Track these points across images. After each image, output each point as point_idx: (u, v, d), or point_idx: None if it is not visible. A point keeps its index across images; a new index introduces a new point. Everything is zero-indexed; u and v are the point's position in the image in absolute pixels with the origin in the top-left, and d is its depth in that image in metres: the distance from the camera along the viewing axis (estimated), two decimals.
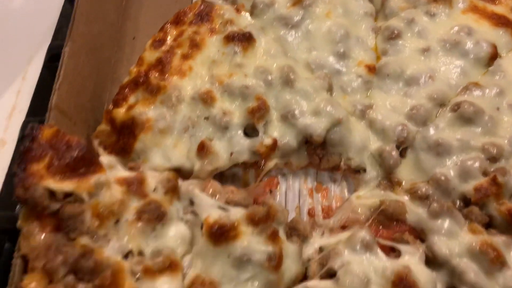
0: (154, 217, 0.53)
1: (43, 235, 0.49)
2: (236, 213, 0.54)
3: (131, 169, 0.59)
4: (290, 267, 0.56)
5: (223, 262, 0.52)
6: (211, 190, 0.58)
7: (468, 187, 0.63)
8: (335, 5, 0.77)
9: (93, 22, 0.77)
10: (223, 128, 0.67)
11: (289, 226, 0.61)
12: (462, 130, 0.66)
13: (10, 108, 0.91)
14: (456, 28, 0.74)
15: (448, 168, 0.64)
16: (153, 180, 0.56)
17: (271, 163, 0.68)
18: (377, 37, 0.77)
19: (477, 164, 0.63)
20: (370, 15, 0.79)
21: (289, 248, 0.56)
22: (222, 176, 0.69)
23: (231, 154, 0.67)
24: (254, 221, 0.54)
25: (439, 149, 0.65)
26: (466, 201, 0.63)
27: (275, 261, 0.53)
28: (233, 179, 0.70)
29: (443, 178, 0.64)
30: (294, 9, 0.76)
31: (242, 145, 0.67)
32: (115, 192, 0.52)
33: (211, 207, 0.55)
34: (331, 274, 0.57)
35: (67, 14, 0.93)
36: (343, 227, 0.65)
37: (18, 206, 0.77)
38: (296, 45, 0.75)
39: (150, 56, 0.74)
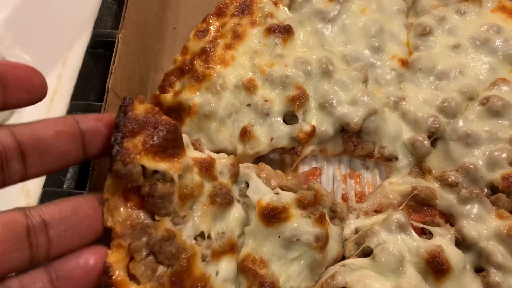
0: (226, 201, 0.55)
1: (128, 210, 0.49)
2: (287, 197, 0.58)
3: (193, 145, 0.60)
4: (333, 248, 0.60)
5: (274, 242, 0.56)
6: (264, 174, 0.62)
7: (495, 175, 0.67)
8: (369, 1, 0.81)
9: (140, 11, 0.81)
10: (264, 114, 0.71)
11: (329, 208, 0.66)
12: (490, 122, 0.70)
13: (51, 92, 0.95)
14: (485, 27, 0.78)
15: (477, 158, 0.68)
16: (219, 163, 0.58)
17: (307, 150, 0.73)
18: (409, 33, 0.81)
19: (504, 155, 0.67)
20: (402, 11, 0.83)
21: (333, 229, 0.60)
22: (259, 161, 0.73)
23: (271, 139, 0.71)
24: (303, 204, 0.58)
25: (468, 140, 0.69)
26: (494, 189, 0.67)
27: (322, 242, 0.57)
28: (270, 164, 0.75)
29: (471, 167, 0.68)
30: (331, 4, 0.80)
31: (282, 131, 0.71)
32: (195, 175, 0.53)
33: (264, 190, 0.59)
34: (366, 254, 0.62)
35: (108, 3, 0.98)
36: (377, 211, 0.69)
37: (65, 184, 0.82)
38: (332, 38, 0.79)
39: (194, 45, 0.78)
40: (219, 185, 0.55)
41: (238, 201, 0.59)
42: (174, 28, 0.91)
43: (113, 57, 0.70)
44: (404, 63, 0.77)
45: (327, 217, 0.60)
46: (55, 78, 0.96)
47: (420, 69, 0.76)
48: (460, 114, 0.72)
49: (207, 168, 0.55)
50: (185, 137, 0.56)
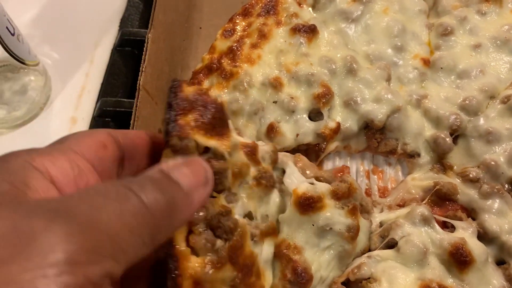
0: (270, 183, 0.56)
1: None
2: (322, 187, 0.60)
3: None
4: (361, 240, 0.63)
5: (307, 230, 0.59)
6: (301, 164, 0.65)
7: None
8: (392, 2, 0.83)
9: (168, 11, 0.84)
10: (290, 111, 0.74)
11: None
12: (511, 120, 0.72)
13: (79, 89, 0.98)
14: (506, 27, 0.80)
15: (498, 155, 0.70)
16: (261, 149, 0.59)
17: (332, 146, 0.75)
18: (431, 33, 0.83)
19: None
20: (424, 12, 0.84)
21: (363, 222, 0.63)
22: None
23: (297, 135, 0.73)
24: (337, 195, 0.60)
25: (489, 137, 0.71)
26: None
27: (354, 232, 0.59)
28: None
29: (493, 163, 0.70)
30: (354, 4, 0.82)
31: (307, 127, 0.73)
32: (242, 155, 0.54)
33: (299, 180, 0.61)
34: (390, 246, 0.64)
35: (135, 3, 1.01)
36: (400, 205, 0.71)
37: None
38: (356, 38, 0.81)
39: (222, 44, 0.81)
40: (263, 168, 0.56)
41: (276, 187, 0.60)
42: (200, 28, 0.94)
43: (143, 55, 0.73)
44: (426, 62, 0.79)
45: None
46: (83, 76, 0.99)
47: (441, 68, 0.78)
48: (481, 112, 0.74)
49: (252, 152, 0.56)
50: (229, 122, 0.57)
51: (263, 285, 0.54)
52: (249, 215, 0.54)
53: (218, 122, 0.52)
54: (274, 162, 0.60)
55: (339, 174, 0.71)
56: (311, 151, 0.77)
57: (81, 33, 1.05)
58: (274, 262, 0.58)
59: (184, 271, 0.46)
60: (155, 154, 0.50)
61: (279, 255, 0.57)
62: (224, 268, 0.48)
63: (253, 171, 0.55)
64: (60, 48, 1.02)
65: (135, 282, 0.47)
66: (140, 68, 0.73)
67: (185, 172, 0.39)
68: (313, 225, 0.59)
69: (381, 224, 0.67)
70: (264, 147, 0.60)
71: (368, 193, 0.75)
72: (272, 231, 0.56)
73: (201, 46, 0.89)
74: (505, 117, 0.72)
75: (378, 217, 0.68)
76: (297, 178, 0.61)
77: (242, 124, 0.74)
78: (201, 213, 0.48)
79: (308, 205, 0.58)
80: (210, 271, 0.47)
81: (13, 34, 0.79)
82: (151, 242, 0.34)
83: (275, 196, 0.58)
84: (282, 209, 0.59)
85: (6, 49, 0.78)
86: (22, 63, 0.84)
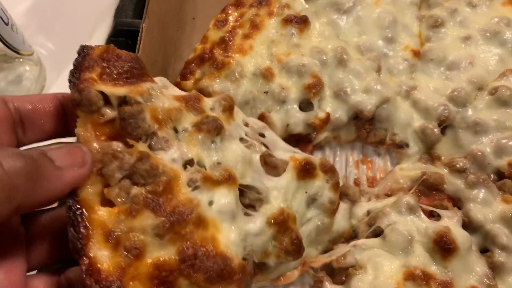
0: (213, 128, 0.52)
1: (100, 142, 0.48)
2: (314, 158, 0.62)
3: None
4: (339, 221, 0.65)
5: (300, 198, 0.59)
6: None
7: (502, 162, 0.70)
8: None
9: (162, 1, 0.85)
10: (281, 101, 0.74)
11: (340, 190, 0.69)
12: (499, 111, 0.73)
13: None
14: (496, 19, 0.81)
15: (485, 145, 0.71)
16: (209, 100, 0.57)
17: (322, 136, 0.76)
18: (421, 24, 0.84)
19: (511, 142, 0.70)
20: (415, 4, 0.85)
21: (341, 205, 0.65)
22: None
23: (287, 125, 0.74)
24: (325, 168, 0.62)
25: (477, 128, 0.72)
26: (500, 175, 0.70)
27: (334, 207, 0.62)
28: None
29: (479, 153, 0.71)
30: None
31: (298, 117, 0.74)
32: (171, 101, 0.52)
33: (283, 145, 0.63)
34: (377, 234, 0.65)
35: None
36: (387, 195, 0.72)
37: None
38: (347, 29, 0.82)
39: (214, 35, 0.81)
40: (206, 115, 0.53)
41: (241, 139, 0.57)
42: (193, 18, 0.94)
43: (137, 45, 0.74)
44: (416, 53, 0.80)
45: None
46: None
47: (431, 59, 0.79)
48: (470, 103, 0.75)
49: (192, 101, 0.53)
50: (163, 79, 0.56)
51: (214, 237, 0.48)
52: (190, 163, 0.51)
53: (132, 73, 0.51)
54: (229, 109, 0.56)
55: None
56: (302, 141, 0.78)
57: (76, 23, 1.05)
58: (266, 229, 0.55)
59: (91, 223, 0.44)
60: (68, 116, 0.53)
61: (277, 223, 0.55)
62: (141, 215, 0.45)
63: (193, 119, 0.52)
64: (55, 39, 1.03)
65: (41, 242, 0.50)
66: None
67: (61, 151, 0.44)
68: (306, 192, 0.60)
69: (368, 213, 0.68)
70: (212, 98, 0.57)
71: (357, 182, 0.76)
72: (228, 178, 0.51)
73: (195, 36, 0.89)
74: (492, 108, 0.73)
75: (365, 206, 0.69)
76: (280, 144, 0.62)
77: None
78: (115, 163, 0.46)
79: (307, 170, 0.59)
80: (124, 219, 0.45)
81: (7, 24, 0.79)
82: (8, 202, 0.38)
83: (235, 147, 0.54)
84: (250, 165, 0.56)
85: (0, 39, 0.78)
86: (17, 52, 0.84)
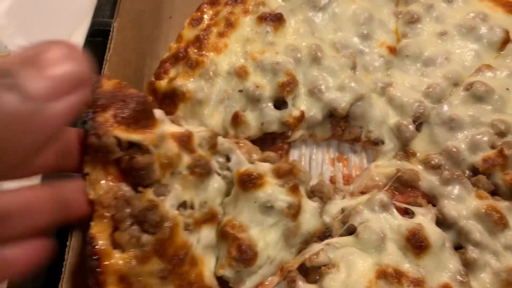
0: (205, 171, 0.57)
1: (109, 183, 0.51)
2: (264, 166, 0.62)
3: (173, 122, 0.62)
4: (309, 221, 0.64)
5: (251, 208, 0.60)
6: (244, 148, 0.66)
7: (477, 158, 0.69)
8: None
9: (135, 0, 0.84)
10: (256, 100, 0.74)
11: (314, 188, 0.69)
12: (474, 107, 0.72)
13: None
14: (472, 14, 0.80)
15: (460, 141, 0.71)
16: (197, 136, 0.60)
17: (297, 134, 0.75)
18: (398, 21, 0.83)
19: (486, 138, 0.70)
20: (392, 0, 0.85)
21: (308, 204, 0.64)
22: None
23: (262, 124, 0.74)
24: (278, 173, 0.61)
25: (452, 124, 0.72)
26: (475, 171, 0.69)
27: (295, 210, 0.61)
28: (262, 148, 0.78)
29: (454, 150, 0.70)
30: None
31: (272, 116, 0.73)
32: (172, 146, 0.55)
33: (245, 163, 0.63)
34: (351, 232, 0.65)
35: None
36: (362, 192, 0.72)
37: None
38: (323, 26, 0.81)
39: (189, 33, 0.81)
40: (197, 156, 0.57)
41: (219, 174, 0.62)
42: (170, 17, 0.93)
43: (108, 44, 0.73)
44: (392, 50, 0.79)
45: (303, 192, 0.64)
46: None
47: (407, 56, 0.78)
48: (445, 99, 0.75)
49: (185, 141, 0.57)
50: (159, 111, 0.58)
51: (201, 271, 0.55)
52: (184, 205, 0.55)
53: (141, 114, 0.53)
54: (213, 147, 0.61)
55: (278, 153, 0.73)
56: (278, 140, 0.77)
57: (55, 24, 1.05)
58: (220, 245, 0.59)
59: (106, 268, 0.48)
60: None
61: (224, 236, 0.58)
62: (150, 261, 0.50)
63: (187, 159, 0.56)
64: (34, 40, 1.01)
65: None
66: (105, 57, 0.72)
67: (40, 72, 0.38)
68: (255, 202, 0.60)
69: (342, 211, 0.67)
70: (201, 133, 0.60)
71: (332, 180, 0.76)
72: (211, 216, 0.58)
73: (171, 35, 0.89)
74: (468, 104, 0.73)
75: (340, 203, 0.68)
76: (244, 162, 0.62)
77: (208, 113, 0.74)
78: (126, 210, 0.50)
79: (248, 181, 0.60)
80: (135, 266, 0.49)
81: None
82: None
83: (213, 182, 0.59)
84: (226, 194, 0.61)
85: None
86: None
